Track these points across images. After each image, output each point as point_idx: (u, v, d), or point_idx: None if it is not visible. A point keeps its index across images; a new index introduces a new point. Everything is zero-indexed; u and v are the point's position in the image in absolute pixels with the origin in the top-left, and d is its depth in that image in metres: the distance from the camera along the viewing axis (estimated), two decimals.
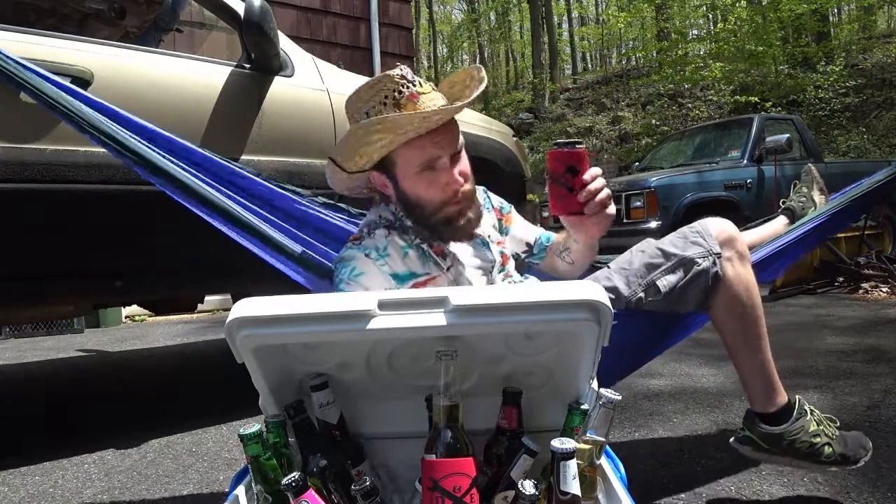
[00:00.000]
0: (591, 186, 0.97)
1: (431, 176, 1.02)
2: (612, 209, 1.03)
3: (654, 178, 4.68)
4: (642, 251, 1.23)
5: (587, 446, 0.75)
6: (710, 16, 16.07)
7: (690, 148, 5.84)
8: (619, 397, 0.77)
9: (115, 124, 1.30)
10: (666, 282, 1.16)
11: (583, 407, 0.79)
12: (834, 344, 2.71)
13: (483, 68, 1.08)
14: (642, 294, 1.17)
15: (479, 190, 1.23)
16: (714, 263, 1.14)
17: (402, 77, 1.01)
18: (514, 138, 2.83)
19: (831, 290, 4.39)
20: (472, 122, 2.52)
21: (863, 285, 4.21)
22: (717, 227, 1.19)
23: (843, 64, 11.30)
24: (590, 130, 13.40)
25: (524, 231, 1.31)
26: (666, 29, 14.34)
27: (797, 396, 1.23)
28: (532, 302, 0.70)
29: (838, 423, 1.25)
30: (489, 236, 1.18)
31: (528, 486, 0.66)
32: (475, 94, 1.03)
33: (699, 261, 1.14)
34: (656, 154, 6.26)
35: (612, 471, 0.81)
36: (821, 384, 2.09)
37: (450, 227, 1.06)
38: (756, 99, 10.35)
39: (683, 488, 1.35)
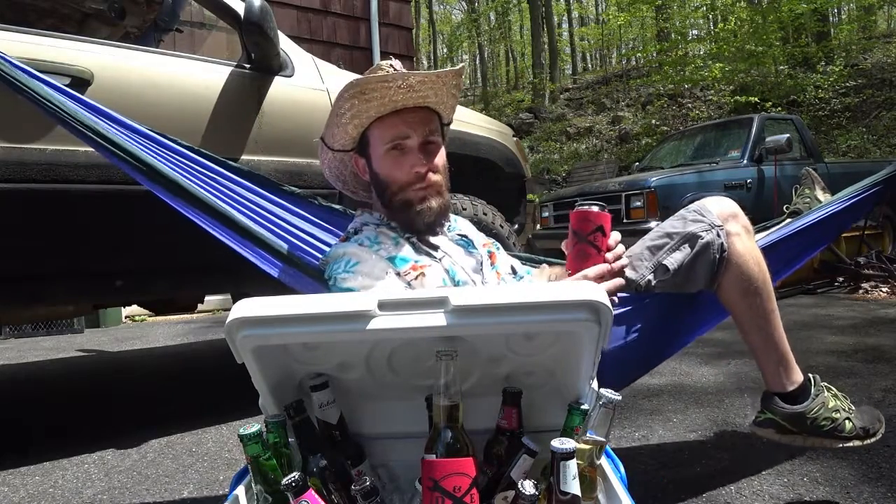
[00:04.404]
0: (619, 249, 0.96)
1: (398, 156, 1.05)
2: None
3: (654, 178, 4.68)
4: (643, 239, 1.22)
5: (587, 446, 0.75)
6: (710, 16, 16.06)
7: (690, 148, 5.83)
8: (619, 397, 0.77)
9: (112, 127, 1.30)
10: (673, 259, 1.14)
11: (583, 407, 0.79)
12: (834, 344, 2.71)
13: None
14: (651, 276, 1.15)
15: (466, 221, 1.27)
16: (718, 235, 1.12)
17: (391, 65, 1.05)
18: (514, 138, 2.83)
19: (831, 290, 4.39)
20: (472, 122, 2.51)
21: (863, 285, 4.21)
22: (717, 205, 1.18)
23: (843, 64, 11.29)
24: (590, 130, 13.39)
25: (509, 259, 1.31)
26: (666, 29, 14.34)
27: (809, 374, 1.20)
28: (532, 302, 0.70)
29: (849, 399, 1.22)
30: (473, 240, 1.20)
31: (528, 486, 0.66)
32: (437, 71, 1.04)
33: (702, 234, 1.13)
34: (656, 154, 6.25)
35: (612, 471, 0.81)
36: None
37: (408, 211, 1.07)
38: (756, 99, 10.34)
39: (684, 488, 1.34)
